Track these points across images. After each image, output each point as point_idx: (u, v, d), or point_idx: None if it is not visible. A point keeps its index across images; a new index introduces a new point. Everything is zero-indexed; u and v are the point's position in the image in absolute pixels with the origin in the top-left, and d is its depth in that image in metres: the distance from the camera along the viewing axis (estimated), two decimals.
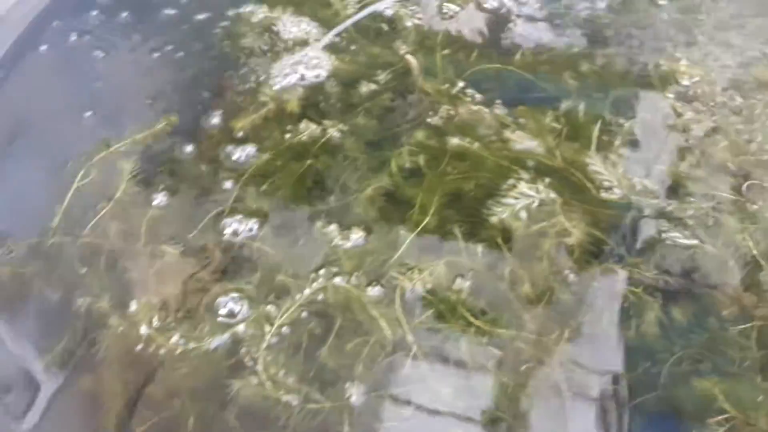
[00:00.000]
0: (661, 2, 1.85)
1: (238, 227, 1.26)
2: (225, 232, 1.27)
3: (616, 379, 1.14)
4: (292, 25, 1.67)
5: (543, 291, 1.21)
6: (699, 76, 1.60)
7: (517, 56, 1.70)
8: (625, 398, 1.11)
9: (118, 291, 1.22)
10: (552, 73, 1.66)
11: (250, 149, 1.43)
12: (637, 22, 1.82)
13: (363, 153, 1.44)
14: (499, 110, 1.52)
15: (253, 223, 1.27)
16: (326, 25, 1.69)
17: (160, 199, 1.34)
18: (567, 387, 1.11)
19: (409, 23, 1.72)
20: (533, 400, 1.10)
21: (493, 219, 1.30)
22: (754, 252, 1.27)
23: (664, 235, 1.28)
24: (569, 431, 1.07)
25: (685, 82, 1.59)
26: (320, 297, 1.16)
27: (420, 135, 1.47)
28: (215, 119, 1.49)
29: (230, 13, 1.73)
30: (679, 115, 1.50)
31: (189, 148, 1.45)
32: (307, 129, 1.44)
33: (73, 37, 1.71)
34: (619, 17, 1.84)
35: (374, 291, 1.17)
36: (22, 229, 1.32)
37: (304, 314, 1.14)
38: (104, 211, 1.30)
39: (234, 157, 1.43)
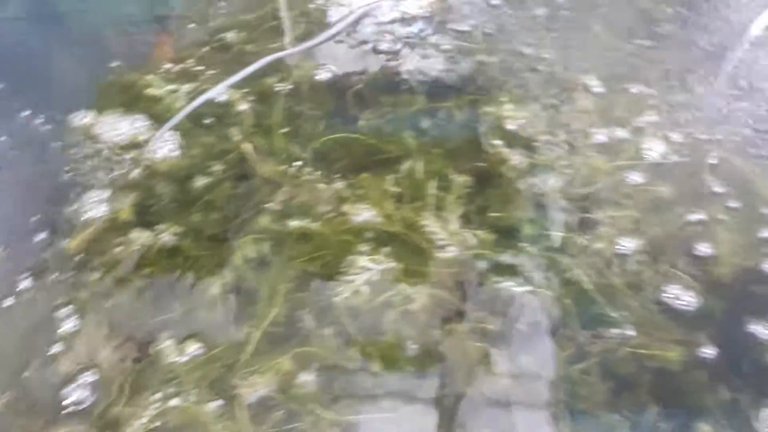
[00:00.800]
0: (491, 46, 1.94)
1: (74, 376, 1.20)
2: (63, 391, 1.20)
3: None
4: (123, 127, 1.64)
5: (392, 365, 1.22)
6: (524, 118, 1.68)
7: (361, 122, 1.74)
8: None
9: None
10: (393, 132, 1.71)
11: (86, 269, 1.38)
12: (472, 69, 1.90)
13: (205, 250, 1.41)
14: (339, 183, 1.53)
15: (89, 375, 1.21)
16: (159, 120, 1.67)
17: None
18: None
19: (243, 107, 1.72)
20: None
21: (338, 299, 1.30)
22: (588, 287, 1.33)
23: (500, 286, 1.32)
24: None
25: (511, 126, 1.66)
26: (158, 423, 1.11)
27: (263, 221, 1.46)
28: (48, 242, 1.42)
29: (56, 123, 1.68)
30: (505, 160, 1.57)
31: (20, 278, 1.38)
32: (140, 237, 1.41)
33: None
34: (454, 66, 1.91)
35: (216, 405, 1.14)
36: None
37: None
38: None
39: (69, 282, 1.36)
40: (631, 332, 1.25)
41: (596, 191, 1.52)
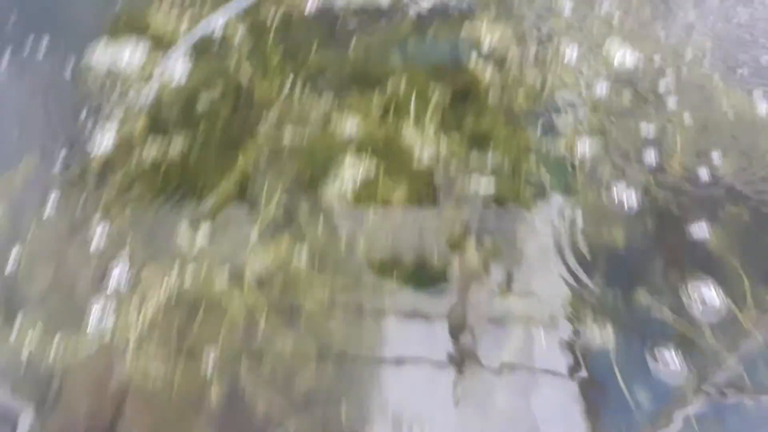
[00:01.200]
0: None
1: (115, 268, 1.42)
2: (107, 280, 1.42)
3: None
4: (133, 56, 1.81)
5: (373, 250, 1.42)
6: (498, 36, 1.82)
7: (351, 45, 1.89)
8: None
9: None
10: (382, 55, 1.86)
11: (108, 181, 1.57)
12: None
13: (211, 159, 1.60)
14: (329, 101, 1.70)
15: (119, 265, 1.42)
16: (166, 47, 1.84)
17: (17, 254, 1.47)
18: None
19: (240, 33, 1.88)
20: None
21: (327, 195, 1.50)
22: (547, 185, 1.51)
23: (469, 186, 1.50)
24: None
25: (488, 45, 1.81)
26: (175, 296, 1.34)
27: (260, 133, 1.64)
28: (71, 160, 1.62)
29: (71, 53, 1.84)
30: (481, 76, 1.72)
31: (51, 191, 1.56)
32: (153, 150, 1.60)
33: None
34: None
35: (225, 280, 1.36)
36: None
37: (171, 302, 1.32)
38: None
39: (95, 193, 1.56)
40: (581, 219, 1.43)
41: (562, 101, 1.67)
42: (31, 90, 1.81)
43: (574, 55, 1.78)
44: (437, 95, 1.69)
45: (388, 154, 1.57)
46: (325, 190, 1.51)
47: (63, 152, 1.63)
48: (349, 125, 1.64)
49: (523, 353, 1.29)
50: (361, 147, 1.58)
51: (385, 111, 1.68)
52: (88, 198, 1.55)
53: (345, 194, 1.50)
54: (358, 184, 1.52)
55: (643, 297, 1.34)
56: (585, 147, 1.57)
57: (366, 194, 1.50)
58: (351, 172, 1.53)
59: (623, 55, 1.77)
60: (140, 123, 1.65)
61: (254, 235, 1.44)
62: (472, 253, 1.42)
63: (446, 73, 1.77)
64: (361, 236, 1.44)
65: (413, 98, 1.69)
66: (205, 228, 1.46)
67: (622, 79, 1.73)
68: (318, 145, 1.60)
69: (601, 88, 1.70)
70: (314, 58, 1.82)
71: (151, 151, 1.60)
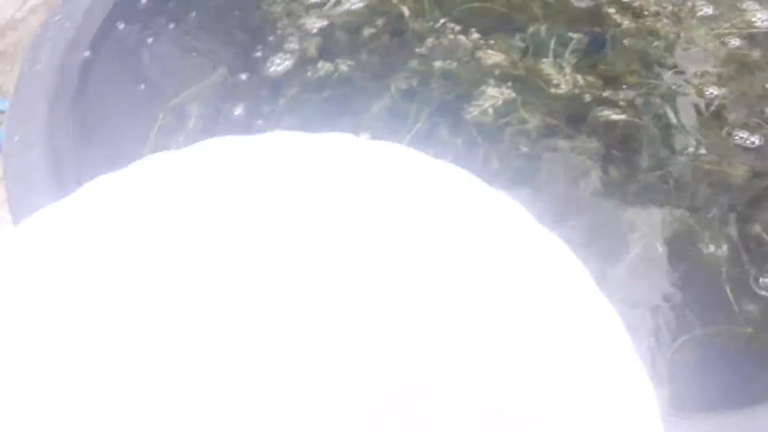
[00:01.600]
0: None
1: None
2: None
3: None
4: None
5: (507, 165, 1.63)
6: None
7: None
8: None
9: None
10: (524, 5, 2.04)
11: (281, 91, 1.87)
12: None
13: (369, 82, 1.86)
14: (474, 37, 1.91)
15: None
16: None
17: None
18: None
19: None
20: None
21: (468, 117, 1.71)
22: (673, 121, 1.65)
23: (599, 114, 1.67)
24: None
25: None
26: None
27: (412, 63, 1.88)
28: (255, 68, 1.93)
29: None
30: (618, 24, 1.87)
31: (237, 103, 1.87)
32: (324, 67, 1.88)
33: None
34: None
35: None
36: None
37: None
38: None
39: (270, 99, 1.86)
40: (703, 151, 1.57)
41: (692, 52, 1.79)
42: (221, 11, 2.13)
43: (710, 11, 1.88)
44: (575, 40, 1.85)
45: (526, 87, 1.76)
46: (467, 112, 1.73)
47: (246, 68, 1.94)
48: (491, 61, 1.84)
49: None
50: (502, 79, 1.78)
51: (525, 53, 1.87)
52: (265, 105, 1.85)
53: (484, 117, 1.71)
54: (497, 110, 1.72)
55: (758, 228, 1.47)
56: (712, 95, 1.69)
57: (503, 119, 1.71)
58: (491, 100, 1.74)
59: (760, 16, 1.85)
60: (313, 45, 1.93)
61: (404, 143, 1.68)
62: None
63: (585, 21, 1.92)
64: (494, 152, 1.66)
65: (552, 42, 1.87)
66: (363, 136, 1.72)
67: (756, 39, 1.82)
68: (463, 75, 1.81)
69: (734, 44, 1.80)
70: (463, 2, 2.03)
71: (320, 68, 1.88)
